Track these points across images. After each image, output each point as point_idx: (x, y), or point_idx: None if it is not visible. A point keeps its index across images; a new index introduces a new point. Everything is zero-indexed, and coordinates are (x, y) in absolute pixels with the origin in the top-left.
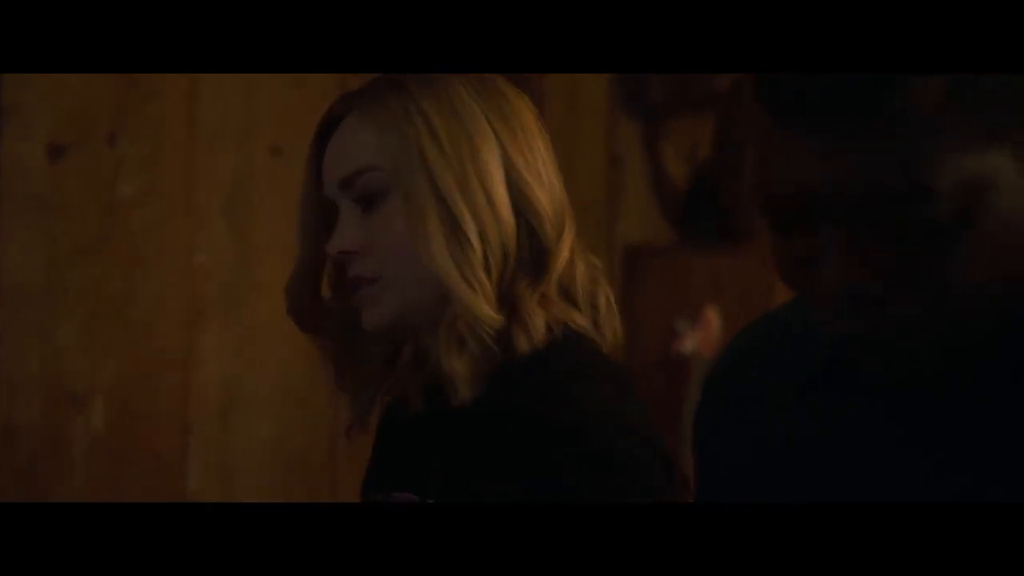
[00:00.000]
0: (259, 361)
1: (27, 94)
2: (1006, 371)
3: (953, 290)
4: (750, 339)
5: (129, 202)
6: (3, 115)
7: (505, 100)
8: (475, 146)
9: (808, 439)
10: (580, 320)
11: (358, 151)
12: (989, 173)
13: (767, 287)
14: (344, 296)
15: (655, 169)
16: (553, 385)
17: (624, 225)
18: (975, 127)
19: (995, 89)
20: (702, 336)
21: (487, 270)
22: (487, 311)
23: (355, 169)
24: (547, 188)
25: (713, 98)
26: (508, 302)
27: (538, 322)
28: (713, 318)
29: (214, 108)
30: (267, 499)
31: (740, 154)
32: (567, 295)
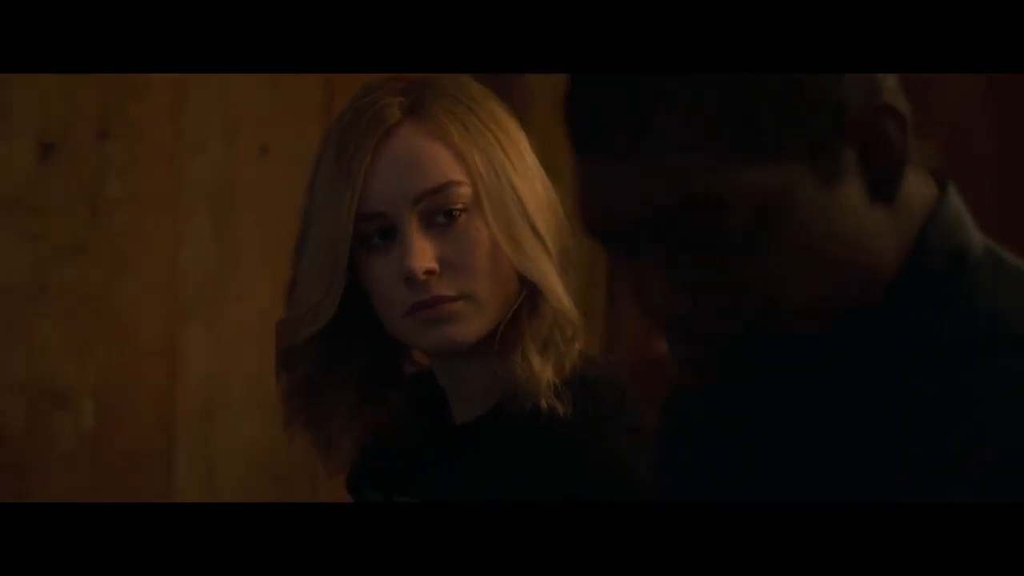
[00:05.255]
0: (243, 360)
1: (14, 93)
2: (833, 377)
3: (762, 303)
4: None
5: (114, 201)
6: None
7: (503, 110)
8: (522, 154)
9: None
10: None
11: (437, 165)
12: (783, 184)
13: None
14: (403, 316)
15: None
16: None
17: None
18: (761, 138)
19: (786, 100)
20: None
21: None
22: (576, 313)
23: (441, 183)
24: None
25: None
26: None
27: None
28: None
29: (200, 106)
30: (250, 498)
31: None
32: None
